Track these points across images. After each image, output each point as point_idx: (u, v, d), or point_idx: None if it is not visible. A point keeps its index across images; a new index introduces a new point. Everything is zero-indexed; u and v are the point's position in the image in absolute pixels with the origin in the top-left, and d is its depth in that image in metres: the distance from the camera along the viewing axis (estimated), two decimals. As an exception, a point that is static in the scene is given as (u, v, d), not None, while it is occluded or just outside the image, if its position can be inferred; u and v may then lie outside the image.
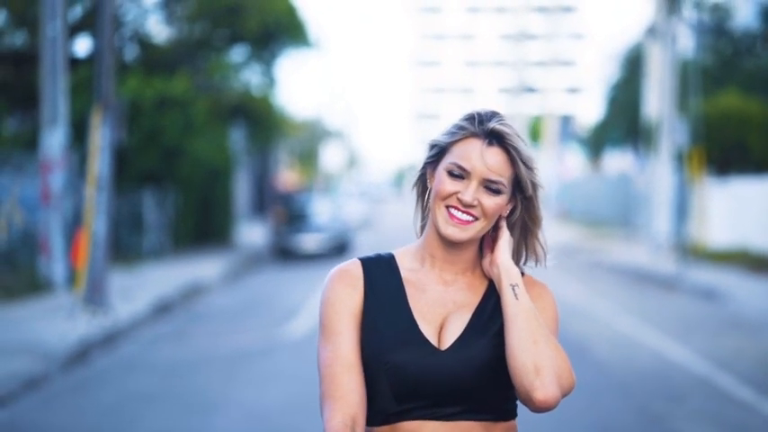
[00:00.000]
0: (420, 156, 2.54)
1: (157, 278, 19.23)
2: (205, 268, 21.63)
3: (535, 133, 75.95)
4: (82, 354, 11.54)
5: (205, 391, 9.55)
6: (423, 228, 2.57)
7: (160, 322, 14.61)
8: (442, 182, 2.42)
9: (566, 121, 65.95)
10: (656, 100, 25.98)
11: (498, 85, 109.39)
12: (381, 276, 2.49)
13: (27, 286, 16.17)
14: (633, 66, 35.87)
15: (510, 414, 2.46)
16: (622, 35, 63.81)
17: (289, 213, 28.49)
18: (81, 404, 9.06)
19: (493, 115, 2.45)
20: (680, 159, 24.27)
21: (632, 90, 35.07)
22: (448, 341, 2.42)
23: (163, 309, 15.68)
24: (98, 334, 12.45)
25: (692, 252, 23.09)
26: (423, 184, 2.55)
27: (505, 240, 2.47)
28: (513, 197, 2.48)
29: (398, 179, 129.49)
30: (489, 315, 2.45)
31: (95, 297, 14.00)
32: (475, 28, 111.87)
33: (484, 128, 2.44)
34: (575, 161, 58.25)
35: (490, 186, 2.42)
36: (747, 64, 31.27)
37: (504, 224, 2.48)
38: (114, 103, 14.86)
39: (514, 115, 77.77)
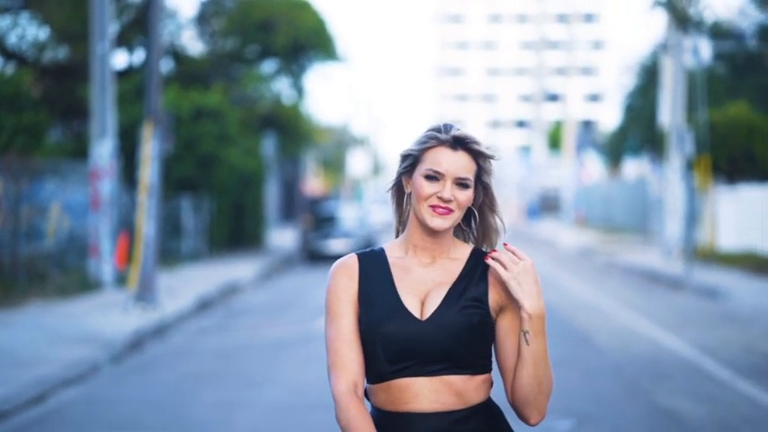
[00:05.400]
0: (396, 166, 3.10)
1: (197, 278, 20.67)
2: (240, 269, 23.06)
3: (555, 140, 76.92)
4: (137, 343, 12.94)
5: (251, 371, 10.95)
6: (401, 227, 3.07)
7: (203, 317, 16.02)
8: (422, 186, 2.91)
9: (585, 127, 67.00)
10: (668, 110, 27.21)
11: (519, 92, 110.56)
12: (373, 265, 2.98)
13: (79, 285, 17.59)
14: (649, 74, 36.79)
15: (485, 369, 2.94)
16: (640, 44, 64.66)
17: (317, 219, 29.82)
18: (145, 382, 10.46)
19: (451, 126, 2.95)
20: (691, 167, 25.48)
21: (649, 98, 36.04)
22: (427, 312, 2.90)
23: (204, 305, 17.10)
24: (150, 326, 13.86)
25: (700, 255, 24.34)
26: (398, 190, 3.07)
27: (521, 290, 2.86)
28: (476, 188, 2.99)
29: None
30: (461, 292, 2.92)
31: (146, 294, 15.43)
32: (496, 36, 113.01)
33: (449, 136, 2.92)
34: (594, 168, 59.20)
35: (461, 183, 2.91)
36: (756, 78, 32.32)
37: (512, 274, 2.87)
38: (163, 117, 16.30)
39: (535, 122, 78.80)
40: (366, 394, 2.97)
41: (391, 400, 2.90)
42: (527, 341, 2.85)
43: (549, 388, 2.89)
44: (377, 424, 2.92)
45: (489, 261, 2.89)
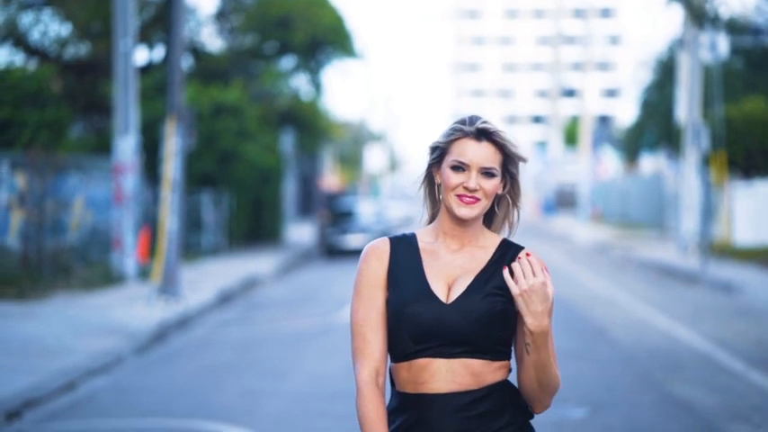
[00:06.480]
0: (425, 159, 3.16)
1: (217, 272, 20.97)
2: (259, 264, 23.36)
3: (571, 135, 76.98)
4: (161, 334, 13.24)
5: (273, 362, 11.22)
6: (433, 216, 3.18)
7: (224, 309, 16.31)
8: (449, 177, 3.04)
9: (602, 123, 67.11)
10: (684, 106, 27.35)
11: (536, 87, 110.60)
12: (404, 248, 3.11)
13: (102, 278, 17.91)
14: (666, 70, 36.83)
15: (505, 356, 3.05)
16: (657, 39, 64.69)
17: (335, 215, 30.08)
18: (170, 372, 10.74)
19: (477, 118, 3.07)
20: (707, 162, 25.62)
21: (666, 94, 36.07)
22: (453, 297, 3.02)
23: (225, 298, 17.39)
24: (173, 318, 14.15)
25: (716, 250, 24.50)
26: (430, 181, 3.18)
27: (526, 307, 2.93)
28: (504, 177, 3.10)
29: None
30: (487, 279, 3.04)
31: (169, 287, 15.73)
32: (513, 32, 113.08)
33: (473, 128, 3.04)
34: (610, 163, 59.26)
35: (487, 172, 3.03)
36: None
37: (520, 290, 2.92)
38: (185, 114, 16.59)
39: (552, 117, 78.86)
40: (391, 374, 3.10)
41: (412, 379, 3.01)
42: (527, 351, 2.98)
43: (553, 389, 3.03)
44: (399, 406, 3.05)
45: (505, 273, 2.95)
